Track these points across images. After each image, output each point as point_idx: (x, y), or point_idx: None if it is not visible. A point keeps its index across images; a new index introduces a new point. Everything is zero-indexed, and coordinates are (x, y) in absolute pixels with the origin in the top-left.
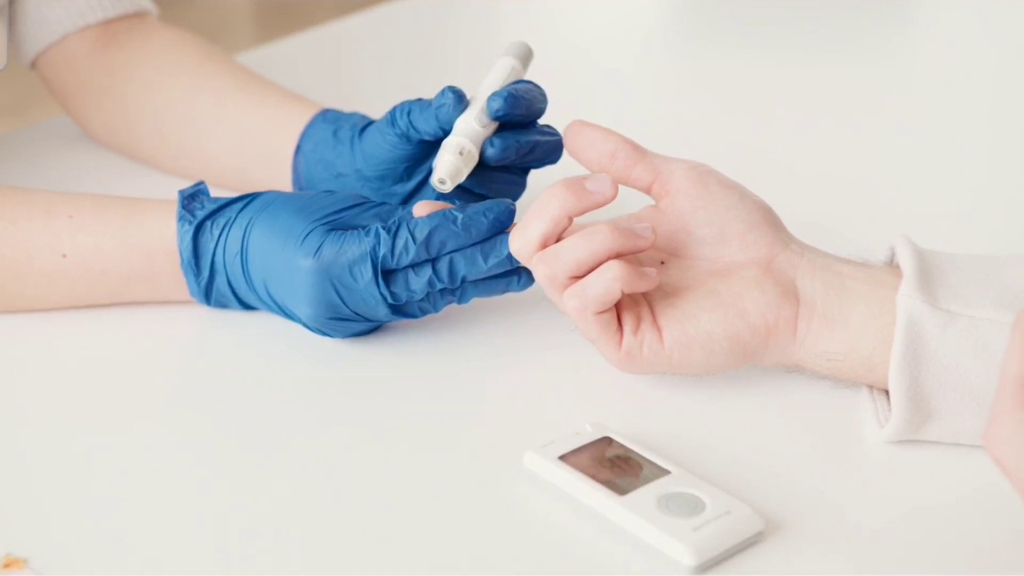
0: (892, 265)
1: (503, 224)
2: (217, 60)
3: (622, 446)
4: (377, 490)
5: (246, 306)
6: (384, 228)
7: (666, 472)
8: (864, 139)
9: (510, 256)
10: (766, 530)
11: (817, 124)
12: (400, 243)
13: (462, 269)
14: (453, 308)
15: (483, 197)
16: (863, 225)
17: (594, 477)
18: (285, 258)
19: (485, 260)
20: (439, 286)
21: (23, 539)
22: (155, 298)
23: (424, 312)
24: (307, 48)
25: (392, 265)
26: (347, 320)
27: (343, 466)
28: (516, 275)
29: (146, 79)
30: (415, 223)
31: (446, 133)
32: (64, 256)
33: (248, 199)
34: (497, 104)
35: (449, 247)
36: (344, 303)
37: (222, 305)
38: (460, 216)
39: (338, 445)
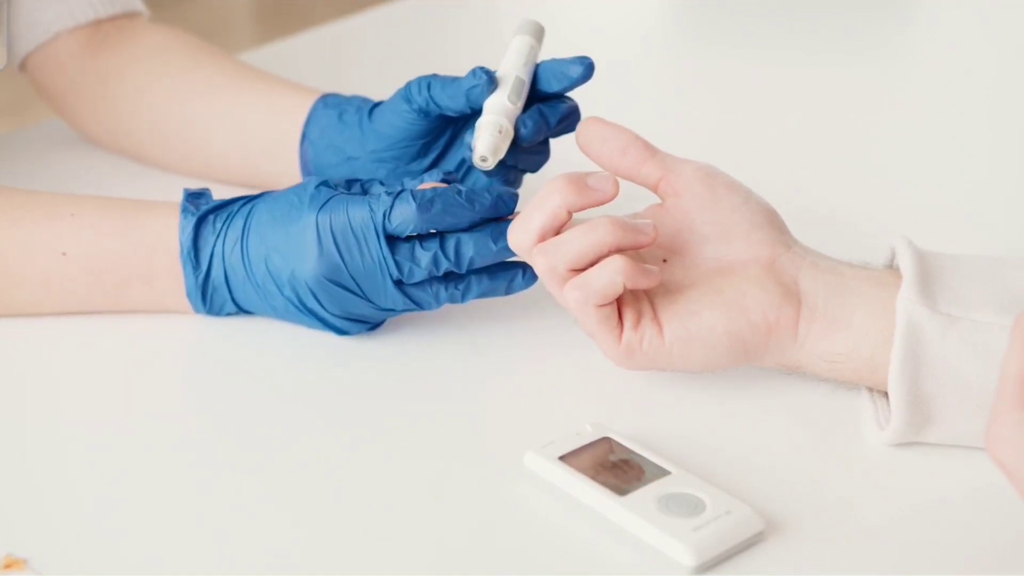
0: (892, 267)
1: (505, 203)
2: (208, 56)
3: (622, 446)
4: (377, 490)
5: (239, 308)
6: (387, 192)
7: (666, 472)
8: (864, 139)
9: None
10: (766, 530)
11: (817, 124)
12: (402, 205)
13: (470, 251)
14: (454, 308)
15: (517, 171)
16: (863, 224)
17: (594, 477)
18: (289, 220)
19: (495, 242)
20: (445, 265)
21: (23, 539)
22: (151, 304)
23: (423, 302)
24: (307, 48)
25: (393, 229)
26: (348, 291)
27: (343, 466)
28: (520, 270)
29: (138, 83)
30: (419, 192)
31: (474, 111)
32: (64, 254)
33: (252, 196)
34: (527, 129)
35: (451, 220)
36: (345, 265)
37: (216, 305)
38: (464, 190)
39: (338, 445)
